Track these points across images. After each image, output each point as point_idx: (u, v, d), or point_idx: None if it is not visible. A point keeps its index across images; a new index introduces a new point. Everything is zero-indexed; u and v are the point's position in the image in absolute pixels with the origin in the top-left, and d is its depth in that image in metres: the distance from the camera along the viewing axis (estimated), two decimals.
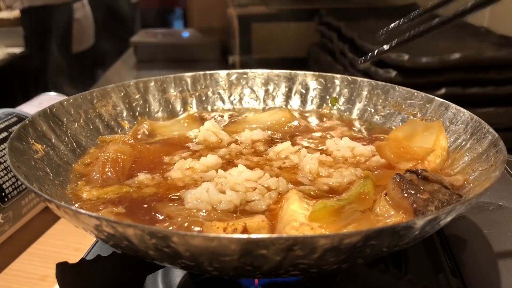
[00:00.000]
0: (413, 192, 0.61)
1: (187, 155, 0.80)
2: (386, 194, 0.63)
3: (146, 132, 0.91)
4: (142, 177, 0.73)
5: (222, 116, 1.00)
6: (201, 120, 0.97)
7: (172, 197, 0.68)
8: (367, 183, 0.65)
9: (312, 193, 0.68)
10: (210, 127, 0.86)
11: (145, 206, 0.65)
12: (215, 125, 0.88)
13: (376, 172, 0.74)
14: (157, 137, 0.90)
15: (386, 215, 0.61)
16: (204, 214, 0.62)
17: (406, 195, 0.60)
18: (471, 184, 0.68)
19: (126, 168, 0.76)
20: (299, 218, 0.59)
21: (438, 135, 0.80)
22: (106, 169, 0.75)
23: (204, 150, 0.82)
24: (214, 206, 0.64)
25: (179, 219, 0.61)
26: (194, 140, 0.86)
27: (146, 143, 0.86)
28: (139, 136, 0.89)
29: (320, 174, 0.73)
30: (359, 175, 0.71)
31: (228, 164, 0.77)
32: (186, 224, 0.60)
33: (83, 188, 0.70)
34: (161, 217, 0.62)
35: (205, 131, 0.85)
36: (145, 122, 0.94)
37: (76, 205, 0.66)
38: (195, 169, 0.74)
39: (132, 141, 0.84)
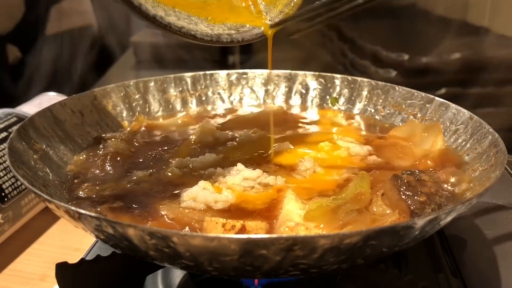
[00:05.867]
0: (410, 194, 0.61)
1: (185, 153, 0.80)
2: (383, 194, 0.63)
3: (144, 130, 0.91)
4: (140, 174, 0.73)
5: (219, 115, 1.01)
6: (199, 119, 0.97)
7: (170, 194, 0.68)
8: (363, 183, 0.65)
9: (308, 190, 0.68)
10: (204, 127, 0.86)
11: (143, 203, 0.65)
12: (209, 125, 0.88)
13: (372, 171, 0.74)
14: (155, 135, 0.90)
15: (382, 215, 0.61)
16: (200, 213, 0.62)
17: (403, 197, 0.61)
18: (471, 184, 0.68)
19: (125, 165, 0.77)
20: (294, 218, 0.59)
21: (437, 137, 0.80)
22: (105, 167, 0.75)
23: (201, 148, 0.82)
24: (211, 205, 0.64)
25: (176, 217, 0.61)
26: (191, 139, 0.86)
27: (144, 141, 0.86)
28: (137, 134, 0.89)
29: (316, 171, 0.73)
30: (356, 173, 0.71)
31: (225, 159, 0.77)
32: (183, 222, 0.60)
33: (81, 186, 0.70)
34: (158, 215, 0.62)
35: (199, 132, 0.85)
36: (143, 121, 0.94)
37: (74, 202, 0.66)
38: (193, 167, 0.74)
39: (130, 138, 0.84)
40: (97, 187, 0.70)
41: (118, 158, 0.77)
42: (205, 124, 0.88)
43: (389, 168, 0.76)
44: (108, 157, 0.77)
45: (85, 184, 0.71)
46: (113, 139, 0.82)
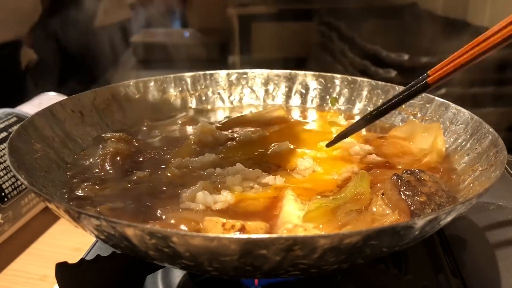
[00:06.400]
0: (411, 194, 0.61)
1: (185, 153, 0.80)
2: (383, 194, 0.63)
3: (145, 129, 0.91)
4: (140, 174, 0.73)
5: (219, 115, 1.00)
6: (199, 119, 0.97)
7: (170, 195, 0.68)
8: (363, 183, 0.65)
9: (307, 190, 0.68)
10: (204, 127, 0.86)
11: (143, 203, 0.65)
12: (209, 125, 0.88)
13: (372, 170, 0.74)
14: (155, 135, 0.90)
15: (382, 215, 0.61)
16: (199, 214, 0.62)
17: (403, 197, 0.60)
18: (471, 184, 0.67)
19: (124, 165, 0.77)
20: (293, 220, 0.59)
21: (436, 137, 0.80)
22: (105, 166, 0.75)
23: (201, 148, 0.82)
24: (210, 206, 0.64)
25: (176, 216, 0.61)
26: (191, 139, 0.86)
27: (144, 141, 0.86)
28: (137, 135, 0.89)
29: (316, 170, 0.73)
30: (356, 172, 0.71)
31: (225, 159, 0.77)
32: (182, 222, 0.60)
33: (81, 186, 0.70)
34: (158, 215, 0.62)
35: (199, 132, 0.85)
36: (144, 121, 0.94)
37: (74, 202, 0.66)
38: (192, 168, 0.74)
39: (130, 138, 0.84)
40: (97, 187, 0.70)
41: (118, 158, 0.77)
42: (204, 124, 0.88)
43: (389, 168, 0.76)
44: (108, 157, 0.77)
45: (85, 184, 0.71)
46: (113, 139, 0.82)
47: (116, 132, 0.89)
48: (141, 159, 0.79)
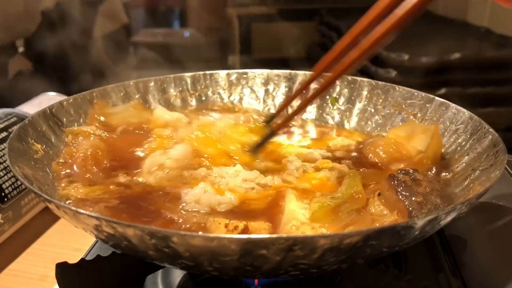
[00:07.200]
0: (408, 194, 0.61)
1: (155, 146, 0.79)
2: (379, 194, 0.63)
3: (102, 119, 0.88)
4: (123, 179, 0.71)
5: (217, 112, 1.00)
6: (148, 108, 0.96)
7: (163, 194, 0.67)
8: (356, 182, 0.65)
9: (305, 190, 0.68)
10: (162, 112, 0.87)
11: (142, 202, 0.65)
12: (165, 110, 0.88)
13: (362, 169, 0.74)
14: (114, 125, 0.87)
15: (380, 215, 0.61)
16: (201, 215, 0.62)
17: (401, 197, 0.60)
18: (471, 184, 0.67)
19: (106, 164, 0.75)
20: (299, 217, 0.59)
21: (433, 139, 0.79)
22: (89, 167, 0.73)
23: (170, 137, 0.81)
24: (215, 208, 0.64)
25: (176, 217, 0.61)
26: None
27: (112, 135, 0.83)
28: (110, 130, 0.86)
29: (307, 170, 0.73)
30: (347, 171, 0.71)
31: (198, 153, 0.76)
32: (184, 223, 0.60)
33: (69, 186, 0.69)
34: (156, 214, 0.62)
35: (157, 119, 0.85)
36: (96, 105, 0.89)
37: (73, 202, 0.66)
38: (167, 166, 0.72)
39: (101, 133, 0.82)
40: (86, 189, 0.68)
41: (99, 158, 0.75)
42: (159, 110, 0.88)
43: (379, 168, 0.76)
44: (90, 156, 0.74)
45: (73, 186, 0.69)
46: (84, 136, 0.79)
47: (115, 131, 0.89)
48: (116, 155, 0.77)
